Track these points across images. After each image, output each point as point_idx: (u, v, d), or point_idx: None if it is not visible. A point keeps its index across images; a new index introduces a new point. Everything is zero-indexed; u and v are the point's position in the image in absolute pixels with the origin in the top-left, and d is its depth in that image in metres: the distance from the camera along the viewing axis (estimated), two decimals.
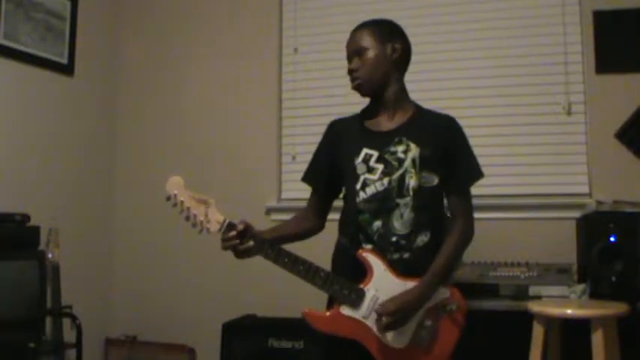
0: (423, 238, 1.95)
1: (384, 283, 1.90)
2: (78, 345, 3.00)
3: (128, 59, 3.86)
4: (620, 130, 3.02)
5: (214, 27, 3.72)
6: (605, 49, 3.05)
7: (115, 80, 3.84)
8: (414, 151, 1.96)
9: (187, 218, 1.93)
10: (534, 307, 2.32)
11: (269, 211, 3.47)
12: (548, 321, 2.33)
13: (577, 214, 2.90)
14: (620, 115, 3.02)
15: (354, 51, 2.03)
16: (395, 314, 1.86)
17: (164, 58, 3.79)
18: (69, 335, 3.08)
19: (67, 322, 3.11)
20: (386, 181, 1.95)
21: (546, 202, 3.11)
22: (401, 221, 1.93)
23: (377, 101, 2.06)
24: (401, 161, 1.96)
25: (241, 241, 1.90)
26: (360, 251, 1.93)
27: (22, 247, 2.87)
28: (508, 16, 3.26)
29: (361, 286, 1.91)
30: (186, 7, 3.79)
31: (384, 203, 1.94)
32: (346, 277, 1.94)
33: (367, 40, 2.02)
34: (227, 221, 1.92)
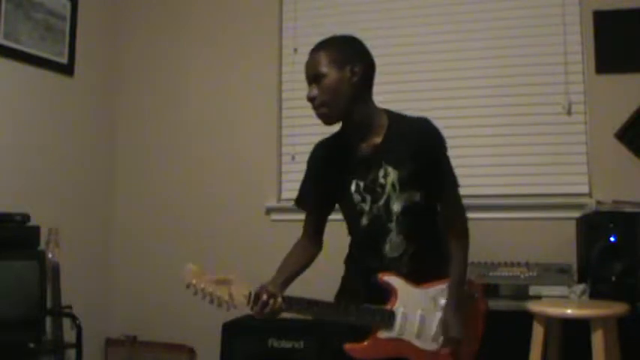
0: (409, 253, 1.98)
1: (408, 299, 1.97)
2: (78, 345, 3.00)
3: (128, 59, 3.86)
4: (620, 130, 3.02)
5: (214, 27, 3.72)
6: (605, 49, 3.05)
7: (115, 80, 3.84)
8: (392, 175, 1.96)
9: (211, 302, 1.93)
10: (534, 307, 2.33)
11: (269, 211, 3.47)
12: (548, 321, 2.33)
13: (577, 214, 2.90)
14: (620, 115, 3.02)
15: (312, 77, 1.97)
16: (455, 339, 1.95)
17: (164, 59, 3.79)
18: (69, 335, 3.08)
19: (67, 322, 3.11)
20: (375, 208, 1.98)
21: (546, 202, 3.11)
22: (390, 244, 1.98)
23: (347, 124, 2.02)
24: (383, 187, 1.97)
25: (273, 304, 1.90)
26: (380, 276, 1.97)
27: (22, 247, 2.87)
28: (508, 16, 3.25)
29: (388, 307, 1.96)
30: (186, 7, 3.79)
31: (378, 230, 1.98)
32: (364, 299, 1.98)
33: (324, 65, 1.94)
34: (253, 294, 1.90)
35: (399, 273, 1.97)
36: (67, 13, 3.45)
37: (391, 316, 1.96)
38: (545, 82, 3.17)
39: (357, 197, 2.00)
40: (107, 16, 3.80)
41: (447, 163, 2.03)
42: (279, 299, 1.89)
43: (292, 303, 1.92)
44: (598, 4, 3.07)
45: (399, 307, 1.96)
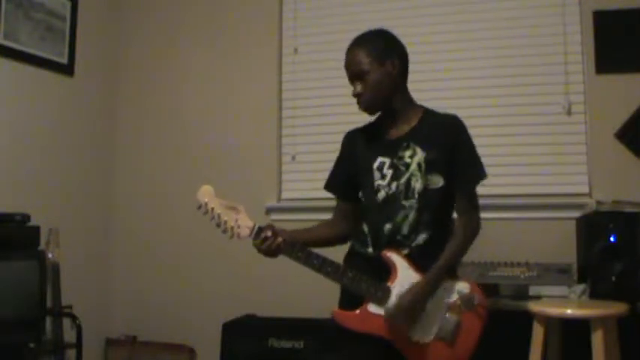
0: (423, 237, 2.00)
1: (407, 280, 1.97)
2: (78, 345, 3.00)
3: (128, 59, 3.86)
4: (620, 130, 3.02)
5: (214, 27, 3.71)
6: (605, 49, 3.05)
7: (115, 80, 3.84)
8: (420, 155, 2.01)
9: (218, 225, 2.01)
10: (534, 307, 2.32)
11: (269, 211, 3.47)
12: (548, 321, 2.33)
13: (577, 214, 2.90)
14: (620, 115, 3.02)
15: (355, 75, 2.04)
16: (399, 315, 1.94)
17: (164, 58, 3.79)
18: (69, 335, 3.08)
19: (67, 322, 3.11)
20: (394, 185, 2.02)
21: (546, 202, 3.11)
22: (406, 222, 2.00)
23: (386, 112, 2.11)
24: (407, 165, 2.02)
25: (272, 241, 1.98)
26: (385, 251, 1.99)
27: (22, 247, 2.87)
28: (508, 16, 3.26)
29: (387, 283, 1.98)
30: (186, 7, 3.79)
31: (392, 206, 2.01)
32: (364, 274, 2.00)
33: (366, 63, 2.02)
34: (257, 226, 2.00)
35: (405, 253, 1.98)
36: (67, 13, 3.45)
37: (386, 291, 1.97)
38: (545, 82, 3.17)
39: (376, 174, 2.05)
40: (107, 16, 3.80)
41: (472, 157, 2.06)
42: (280, 239, 1.97)
43: (293, 248, 1.99)
44: (598, 4, 3.07)
45: (395, 286, 1.97)
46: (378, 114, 2.15)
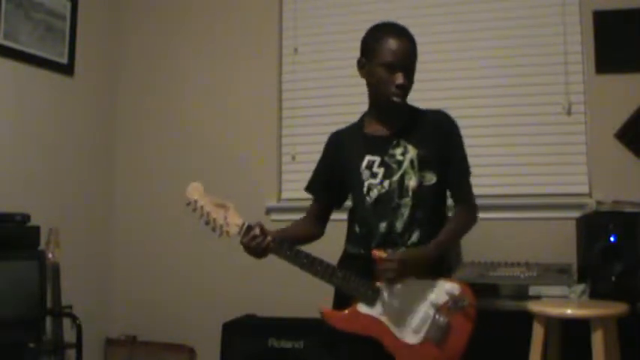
0: (416, 235, 2.00)
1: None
2: (78, 345, 3.00)
3: (128, 59, 3.86)
4: (620, 130, 3.02)
5: (214, 27, 3.72)
6: (605, 49, 3.05)
7: (115, 80, 3.84)
8: (412, 152, 2.02)
9: (207, 223, 2.00)
10: (534, 307, 2.32)
11: (269, 211, 3.47)
12: (548, 321, 2.33)
13: (577, 214, 2.90)
14: (620, 115, 3.02)
15: (406, 66, 2.02)
16: (394, 262, 1.91)
17: (164, 58, 3.80)
18: (69, 335, 3.08)
19: (67, 322, 3.11)
20: (386, 183, 2.01)
21: (546, 202, 3.11)
22: (400, 220, 2.00)
23: (382, 109, 2.08)
24: (400, 163, 2.02)
25: (261, 240, 1.97)
26: (374, 252, 1.97)
27: (22, 247, 2.87)
28: (508, 16, 3.25)
29: (377, 283, 1.97)
30: (186, 7, 3.79)
31: (387, 204, 2.01)
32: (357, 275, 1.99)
33: (414, 57, 2.05)
34: (246, 224, 1.98)
35: (394, 250, 1.97)
36: (67, 13, 3.45)
37: (375, 291, 1.96)
38: (545, 82, 3.17)
39: (366, 174, 2.04)
40: (107, 16, 3.80)
41: (463, 151, 2.09)
42: (269, 238, 1.96)
43: (282, 247, 1.97)
44: (598, 4, 3.07)
45: (385, 286, 1.96)
46: (362, 114, 2.16)
